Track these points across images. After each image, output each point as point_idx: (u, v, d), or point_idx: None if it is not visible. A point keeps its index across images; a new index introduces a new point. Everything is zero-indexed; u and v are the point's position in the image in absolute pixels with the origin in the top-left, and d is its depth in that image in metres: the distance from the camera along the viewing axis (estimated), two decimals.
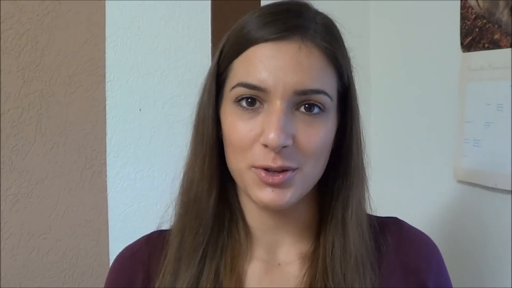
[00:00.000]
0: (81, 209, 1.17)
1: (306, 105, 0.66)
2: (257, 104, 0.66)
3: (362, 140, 0.73)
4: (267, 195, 0.66)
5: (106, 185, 1.19)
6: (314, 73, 0.65)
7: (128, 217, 1.21)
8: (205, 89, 0.72)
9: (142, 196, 1.22)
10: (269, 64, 0.65)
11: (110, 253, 1.19)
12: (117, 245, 1.17)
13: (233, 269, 0.72)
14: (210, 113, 0.71)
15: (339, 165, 0.71)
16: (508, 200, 1.04)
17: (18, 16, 1.09)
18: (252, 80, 0.65)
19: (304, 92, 0.65)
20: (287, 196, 0.66)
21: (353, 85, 0.72)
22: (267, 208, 0.69)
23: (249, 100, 0.66)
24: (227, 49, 0.70)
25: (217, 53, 0.72)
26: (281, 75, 0.64)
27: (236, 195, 0.75)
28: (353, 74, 0.72)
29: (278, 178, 0.65)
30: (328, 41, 0.67)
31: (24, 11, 1.10)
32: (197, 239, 0.71)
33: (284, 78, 0.64)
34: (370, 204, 0.76)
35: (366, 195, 0.74)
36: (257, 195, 0.66)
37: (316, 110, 0.66)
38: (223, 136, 0.70)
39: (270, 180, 0.65)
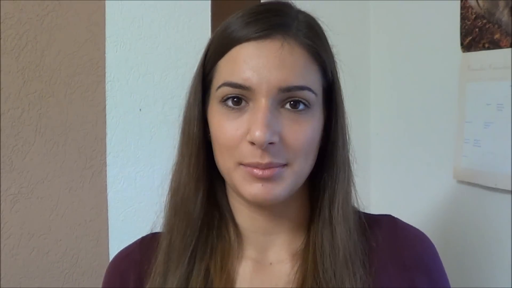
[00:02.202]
0: (81, 209, 1.17)
1: (291, 102, 0.67)
2: (243, 103, 0.67)
3: (347, 135, 0.73)
4: (257, 189, 0.66)
5: (106, 185, 1.19)
6: (298, 70, 0.66)
7: (128, 217, 1.21)
8: (192, 91, 0.73)
9: (142, 196, 1.22)
10: (253, 63, 0.65)
11: (110, 253, 1.19)
12: (117, 245, 1.17)
13: (223, 268, 0.72)
14: (196, 114, 0.71)
15: (325, 160, 0.72)
16: (508, 200, 1.04)
17: (18, 16, 1.09)
18: (237, 79, 0.66)
19: (288, 89, 0.65)
20: (277, 190, 0.67)
21: (337, 80, 0.73)
22: (257, 204, 0.69)
23: (235, 99, 0.67)
24: (212, 50, 0.71)
25: (203, 55, 0.73)
26: (265, 73, 0.65)
27: (225, 196, 0.76)
28: (337, 69, 0.73)
29: (269, 171, 0.66)
30: (311, 38, 0.68)
31: (24, 11, 1.10)
32: (185, 241, 0.72)
33: (268, 76, 0.65)
34: (357, 200, 0.76)
35: (353, 190, 0.74)
36: (247, 190, 0.67)
37: (301, 106, 0.67)
38: (211, 136, 0.71)
39: (260, 173, 0.66)
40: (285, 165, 0.67)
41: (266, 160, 0.65)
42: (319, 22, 0.72)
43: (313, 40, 0.68)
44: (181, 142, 0.74)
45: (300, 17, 0.70)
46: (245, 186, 0.67)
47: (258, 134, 0.63)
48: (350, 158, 0.74)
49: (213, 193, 0.75)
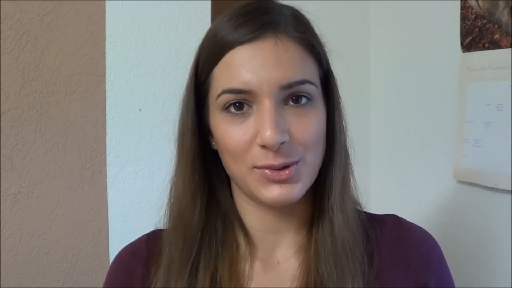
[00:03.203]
0: (81, 209, 1.17)
1: (294, 98, 0.66)
2: (246, 107, 0.66)
3: (344, 122, 0.73)
4: (275, 192, 0.66)
5: (106, 185, 1.19)
6: (295, 65, 0.66)
7: (128, 217, 1.21)
8: (184, 102, 0.73)
9: (142, 196, 1.22)
10: (249, 65, 0.65)
11: (110, 253, 1.19)
12: (117, 245, 1.17)
13: (232, 273, 0.72)
14: (190, 126, 0.71)
15: (326, 148, 0.72)
16: (508, 200, 1.04)
17: (18, 16, 1.09)
18: (236, 85, 0.65)
19: (289, 86, 0.65)
20: (296, 190, 0.67)
21: (331, 69, 0.73)
22: (274, 205, 0.69)
23: (236, 104, 0.66)
24: (204, 59, 0.70)
25: (193, 65, 0.72)
26: (264, 74, 0.64)
27: (231, 200, 0.76)
28: (329, 58, 0.73)
29: (285, 174, 0.65)
30: (301, 31, 0.68)
31: (24, 11, 1.10)
32: (183, 255, 0.72)
33: (267, 76, 0.64)
34: (356, 191, 0.75)
35: (351, 179, 0.74)
36: (264, 194, 0.67)
37: (303, 100, 0.67)
38: (217, 145, 0.71)
39: (277, 177, 0.65)
40: (298, 161, 0.66)
41: (279, 161, 0.65)
42: (304, 13, 0.72)
43: (304, 32, 0.68)
44: (177, 154, 0.74)
45: (285, 11, 0.69)
46: (262, 190, 0.67)
47: (268, 136, 0.63)
48: (348, 145, 0.74)
49: (215, 201, 0.74)
